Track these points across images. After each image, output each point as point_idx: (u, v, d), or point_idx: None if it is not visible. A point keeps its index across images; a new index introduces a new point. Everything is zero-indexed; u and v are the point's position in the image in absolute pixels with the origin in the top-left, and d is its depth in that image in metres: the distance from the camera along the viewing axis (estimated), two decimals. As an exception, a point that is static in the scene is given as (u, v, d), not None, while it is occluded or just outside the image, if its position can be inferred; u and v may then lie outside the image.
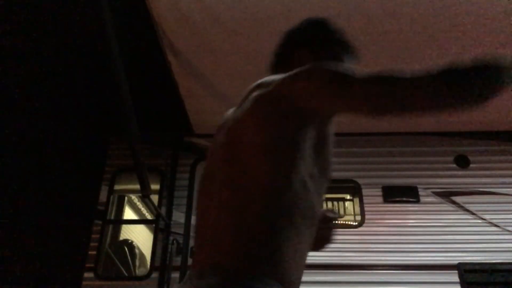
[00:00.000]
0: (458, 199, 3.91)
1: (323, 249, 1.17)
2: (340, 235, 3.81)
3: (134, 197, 4.90)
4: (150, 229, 4.61)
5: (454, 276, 3.53)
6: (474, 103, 0.90)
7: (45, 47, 3.19)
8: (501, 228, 3.75)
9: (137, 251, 4.22)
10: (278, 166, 0.96)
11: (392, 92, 0.91)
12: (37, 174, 4.33)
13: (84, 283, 3.70)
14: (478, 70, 0.87)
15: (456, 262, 3.58)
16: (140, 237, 4.71)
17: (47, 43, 3.15)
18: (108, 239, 4.12)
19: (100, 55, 2.73)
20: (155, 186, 3.94)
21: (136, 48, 3.18)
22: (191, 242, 3.80)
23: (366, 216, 3.90)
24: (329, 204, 4.58)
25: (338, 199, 4.61)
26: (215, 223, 0.97)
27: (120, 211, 4.46)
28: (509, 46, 3.09)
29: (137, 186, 3.42)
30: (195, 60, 3.30)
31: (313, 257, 4.05)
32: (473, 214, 3.83)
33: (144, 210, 5.11)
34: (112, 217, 4.22)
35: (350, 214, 4.55)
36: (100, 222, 3.99)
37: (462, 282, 3.49)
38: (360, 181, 4.07)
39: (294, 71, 1.02)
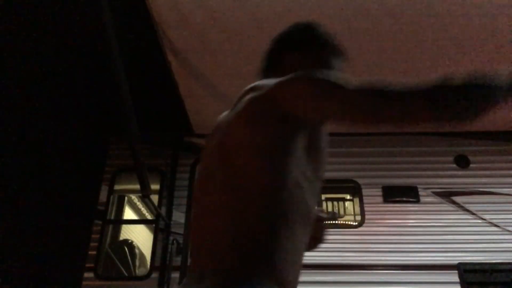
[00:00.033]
0: (458, 199, 3.91)
1: (316, 249, 1.18)
2: (340, 235, 3.84)
3: (134, 197, 4.90)
4: (150, 229, 4.61)
5: (454, 276, 3.53)
6: (463, 119, 0.91)
7: (45, 47, 3.19)
8: (501, 228, 3.75)
9: (137, 251, 4.22)
10: (271, 167, 0.97)
11: (381, 105, 0.92)
12: (37, 174, 4.33)
13: (84, 283, 3.70)
14: (469, 88, 0.88)
15: (456, 262, 3.58)
16: (140, 237, 4.71)
17: (47, 43, 3.15)
18: (108, 239, 4.12)
19: (100, 55, 2.73)
20: (155, 186, 3.94)
21: (136, 48, 3.18)
22: (191, 242, 3.80)
23: (366, 216, 3.90)
24: (329, 204, 4.58)
25: (338, 199, 4.60)
26: (213, 226, 0.97)
27: (120, 211, 4.46)
28: (509, 46, 3.09)
29: (137, 186, 3.42)
30: (195, 60, 3.30)
31: (314, 257, 4.05)
32: (473, 214, 3.83)
33: (144, 210, 5.11)
34: (112, 217, 4.22)
35: (350, 214, 4.55)
36: (100, 222, 3.99)
37: (462, 282, 3.49)
38: (360, 181, 4.07)
39: (285, 77, 1.02)
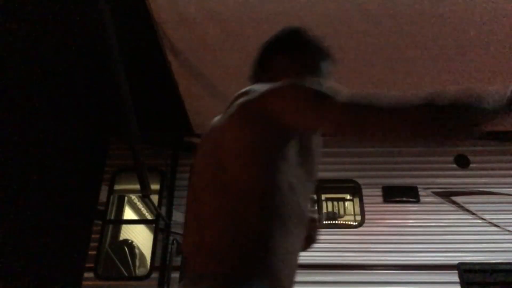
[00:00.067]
0: (458, 199, 3.91)
1: (310, 248, 1.20)
2: (340, 235, 3.84)
3: (134, 197, 4.90)
4: (150, 229, 4.61)
5: (454, 276, 3.53)
6: (451, 137, 0.94)
7: (45, 47, 3.19)
8: (501, 228, 3.75)
9: (137, 251, 4.22)
10: (264, 170, 0.98)
11: (369, 119, 0.92)
12: (37, 174, 4.32)
13: (84, 283, 3.70)
14: (458, 107, 0.89)
15: (456, 262, 3.59)
16: (140, 237, 4.71)
17: (47, 43, 3.15)
18: (108, 239, 4.12)
19: (100, 55, 2.73)
20: (155, 186, 3.94)
21: (136, 48, 3.18)
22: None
23: (366, 216, 3.90)
24: (329, 204, 4.58)
25: (338, 199, 4.61)
26: (211, 229, 0.98)
27: (120, 211, 4.46)
28: (508, 46, 3.10)
29: (137, 186, 3.42)
30: (195, 60, 3.30)
31: (314, 257, 4.05)
32: (473, 214, 3.83)
33: (144, 210, 5.11)
34: (112, 217, 4.23)
35: (350, 214, 4.55)
36: (100, 222, 3.99)
37: (462, 282, 3.49)
38: (360, 181, 4.07)
39: (275, 85, 1.03)
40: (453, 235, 3.73)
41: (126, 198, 4.59)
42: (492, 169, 4.02)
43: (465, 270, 3.53)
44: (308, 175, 1.07)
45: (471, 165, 4.07)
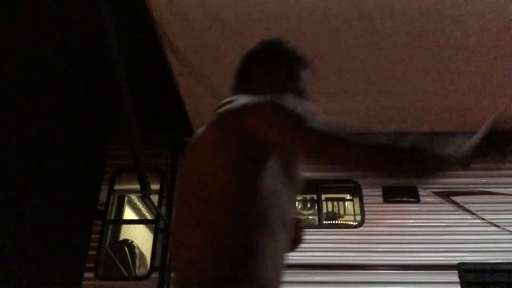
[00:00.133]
0: (458, 199, 3.91)
1: (296, 249, 1.24)
2: (340, 235, 3.84)
3: (134, 197, 4.90)
4: (150, 229, 4.61)
5: (454, 276, 3.53)
6: (409, 177, 1.06)
7: (45, 47, 3.19)
8: (501, 228, 3.75)
9: (137, 251, 4.22)
10: (246, 178, 1.02)
11: (332, 149, 0.97)
12: (37, 174, 4.33)
13: (84, 283, 3.70)
14: (417, 151, 0.96)
15: (456, 262, 3.58)
16: (140, 237, 4.71)
17: (47, 43, 3.15)
18: (108, 239, 4.12)
19: (100, 55, 2.73)
20: (155, 186, 3.94)
21: (136, 48, 3.18)
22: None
23: (366, 216, 3.90)
24: (329, 204, 4.58)
25: (338, 199, 4.61)
26: (196, 237, 1.01)
27: (120, 211, 4.46)
28: (508, 46, 3.10)
29: (137, 186, 3.42)
30: (195, 60, 3.30)
31: (314, 257, 4.04)
32: (473, 214, 3.83)
33: (144, 210, 5.11)
34: (112, 217, 4.22)
35: (350, 214, 4.55)
36: (100, 222, 3.99)
37: (462, 282, 3.49)
38: (360, 181, 4.07)
39: (254, 101, 1.06)
40: (453, 235, 3.73)
41: (126, 198, 4.59)
42: (492, 169, 4.02)
43: (465, 270, 3.53)
44: (291, 178, 1.11)
45: (471, 165, 4.06)
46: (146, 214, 5.11)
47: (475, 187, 3.94)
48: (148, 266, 3.86)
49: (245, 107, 1.06)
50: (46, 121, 4.04)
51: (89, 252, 3.82)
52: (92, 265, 3.76)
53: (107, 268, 3.94)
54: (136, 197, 4.90)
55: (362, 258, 3.67)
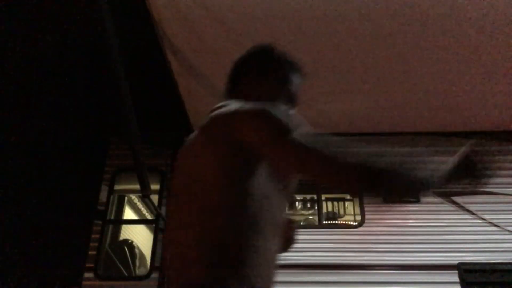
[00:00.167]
0: (458, 199, 3.90)
1: (289, 250, 1.25)
2: (340, 235, 3.83)
3: (134, 197, 4.90)
4: (150, 229, 4.61)
5: (454, 276, 3.53)
6: (380, 196, 1.06)
7: (45, 47, 3.19)
8: (501, 228, 3.75)
9: (137, 251, 4.22)
10: (237, 183, 1.03)
11: (311, 164, 0.99)
12: (37, 174, 4.32)
13: (84, 283, 3.70)
14: (389, 173, 0.99)
15: (456, 262, 3.58)
16: (140, 237, 4.71)
17: (47, 43, 3.15)
18: (108, 239, 4.12)
19: (100, 55, 2.73)
20: (155, 186, 3.94)
21: (136, 48, 3.18)
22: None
23: (366, 216, 3.90)
24: (329, 204, 4.58)
25: (338, 199, 4.60)
26: (186, 241, 1.02)
27: (120, 211, 4.46)
28: (508, 47, 3.10)
29: (137, 186, 3.42)
30: (195, 60, 3.30)
31: (314, 257, 4.04)
32: (473, 214, 3.83)
33: (144, 210, 5.11)
34: (112, 217, 4.22)
35: (350, 214, 4.55)
36: (100, 222, 3.99)
37: (462, 282, 3.49)
38: (360, 181, 4.06)
39: (244, 109, 1.08)
40: (453, 235, 3.73)
41: (126, 198, 4.59)
42: (492, 169, 4.01)
43: (465, 270, 3.53)
44: (283, 181, 1.13)
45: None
46: (146, 214, 5.11)
47: (475, 187, 3.94)
48: (148, 266, 3.86)
49: (235, 113, 1.08)
50: (46, 121, 4.03)
51: (89, 252, 3.82)
52: (92, 265, 3.75)
53: (107, 268, 3.94)
54: (136, 197, 4.90)
55: (362, 258, 3.67)
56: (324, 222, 4.21)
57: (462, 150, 1.10)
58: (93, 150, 4.36)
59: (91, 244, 3.86)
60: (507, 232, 3.72)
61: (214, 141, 1.07)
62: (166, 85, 3.53)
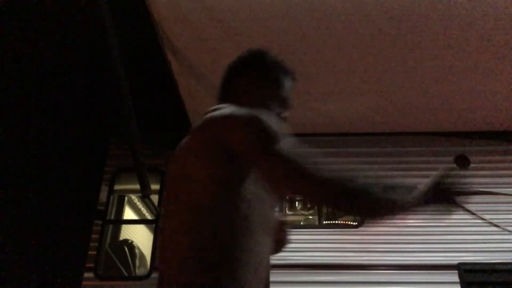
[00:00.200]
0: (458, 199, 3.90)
1: (282, 251, 1.26)
2: (340, 235, 3.83)
3: (134, 197, 4.90)
4: (150, 229, 4.61)
5: (454, 276, 3.53)
6: (358, 216, 1.08)
7: (45, 47, 3.19)
8: (501, 228, 3.75)
9: (137, 251, 4.21)
10: (229, 184, 1.04)
11: (292, 178, 1.00)
12: (37, 174, 4.32)
13: (84, 283, 3.70)
14: (365, 192, 1.01)
15: (456, 262, 3.58)
16: (140, 237, 4.71)
17: (47, 43, 3.15)
18: (108, 239, 4.11)
19: (100, 55, 2.73)
20: (155, 186, 3.93)
21: (136, 48, 3.18)
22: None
23: (366, 216, 3.89)
24: (329, 204, 4.57)
25: (338, 199, 4.60)
26: (178, 243, 1.03)
27: (120, 211, 4.45)
28: (508, 47, 3.10)
29: (137, 186, 3.42)
30: (195, 60, 3.29)
31: (314, 257, 4.03)
32: (473, 214, 3.83)
33: (144, 210, 5.11)
34: (112, 217, 4.22)
35: (350, 214, 4.55)
36: (100, 222, 3.99)
37: (462, 282, 3.49)
38: (360, 181, 4.06)
39: (235, 114, 1.09)
40: (453, 235, 3.73)
41: (126, 198, 4.59)
42: (492, 169, 4.02)
43: (465, 270, 3.53)
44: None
45: (471, 165, 4.06)
46: (146, 214, 5.11)
47: (475, 187, 3.94)
48: (148, 266, 3.86)
49: (228, 117, 1.09)
50: (46, 121, 4.04)
51: (89, 252, 3.82)
52: (92, 265, 3.75)
53: (107, 268, 3.93)
54: (136, 197, 4.90)
55: (362, 258, 3.67)
56: (324, 222, 4.21)
57: (437, 173, 1.14)
58: (93, 150, 4.36)
59: (91, 244, 3.86)
60: (507, 232, 3.72)
61: (207, 144, 1.08)
62: (166, 85, 3.53)
